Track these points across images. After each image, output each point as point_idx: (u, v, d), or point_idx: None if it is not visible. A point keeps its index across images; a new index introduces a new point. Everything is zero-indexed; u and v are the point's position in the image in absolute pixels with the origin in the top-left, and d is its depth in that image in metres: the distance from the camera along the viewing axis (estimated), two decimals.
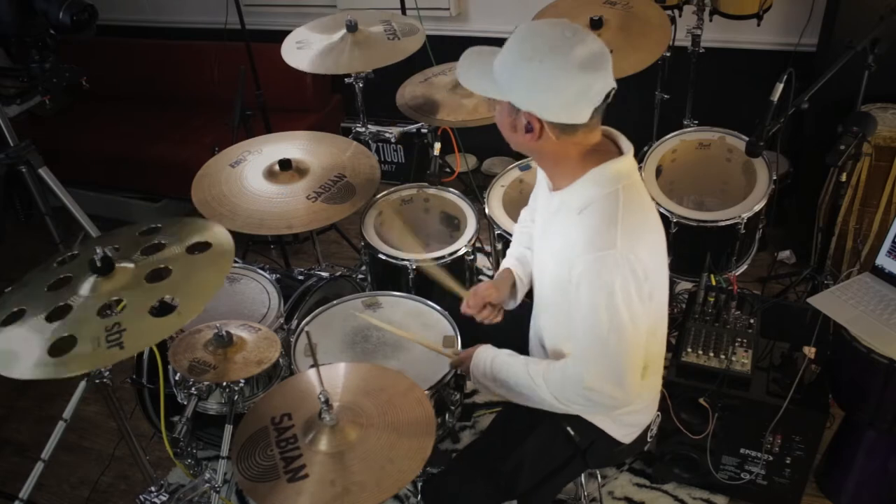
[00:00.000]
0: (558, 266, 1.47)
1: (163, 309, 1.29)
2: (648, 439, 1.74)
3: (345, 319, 1.98)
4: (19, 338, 1.31)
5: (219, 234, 1.47)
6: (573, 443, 1.64)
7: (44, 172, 2.41)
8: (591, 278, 1.37)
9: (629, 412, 1.63)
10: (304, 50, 2.42)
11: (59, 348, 1.26)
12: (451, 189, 2.51)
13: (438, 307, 1.97)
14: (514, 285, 1.77)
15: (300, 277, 2.30)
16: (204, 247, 1.43)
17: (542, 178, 1.60)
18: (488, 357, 1.63)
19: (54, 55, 2.26)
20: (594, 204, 1.40)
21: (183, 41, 3.88)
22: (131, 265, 1.40)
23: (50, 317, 1.32)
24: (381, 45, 2.41)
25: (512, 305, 1.79)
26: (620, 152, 1.45)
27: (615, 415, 1.61)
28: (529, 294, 1.75)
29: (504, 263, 1.82)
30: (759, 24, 2.65)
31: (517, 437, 1.67)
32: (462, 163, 3.30)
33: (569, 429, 1.63)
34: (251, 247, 3.22)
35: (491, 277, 2.87)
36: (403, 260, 2.23)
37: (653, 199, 1.63)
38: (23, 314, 1.36)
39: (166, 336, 1.29)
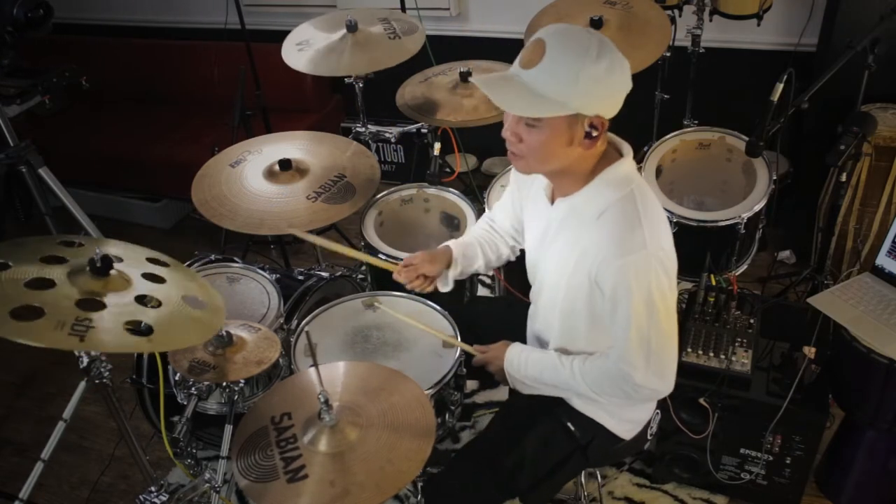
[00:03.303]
0: (571, 273, 1.47)
1: (139, 329, 1.26)
2: (648, 437, 1.74)
3: (345, 319, 1.98)
4: None
5: (215, 299, 1.44)
6: (573, 438, 1.64)
7: (44, 172, 2.42)
8: (627, 283, 1.37)
9: (631, 408, 1.63)
10: (305, 51, 2.42)
11: (22, 314, 1.21)
12: (451, 189, 2.51)
13: (438, 307, 1.97)
14: (449, 264, 1.77)
15: (300, 277, 2.30)
16: (198, 304, 1.40)
17: (537, 186, 1.60)
18: (521, 356, 1.65)
19: (13, 52, 2.27)
20: (612, 208, 1.41)
21: (183, 41, 3.88)
22: (127, 279, 1.37)
23: (29, 284, 1.27)
24: (382, 45, 2.41)
25: (445, 288, 1.80)
26: (620, 154, 1.46)
27: (616, 411, 1.62)
28: (527, 294, 1.75)
29: (449, 243, 1.82)
30: (759, 24, 2.66)
31: (517, 433, 1.67)
32: (462, 163, 3.30)
33: (569, 424, 1.64)
34: (251, 247, 3.22)
35: (491, 278, 2.88)
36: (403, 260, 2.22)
37: None
38: (5, 268, 1.30)
39: (128, 351, 1.26)
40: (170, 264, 1.48)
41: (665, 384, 1.48)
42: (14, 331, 1.16)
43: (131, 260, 1.43)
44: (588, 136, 1.37)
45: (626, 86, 1.37)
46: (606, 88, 1.34)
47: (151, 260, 1.47)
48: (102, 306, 1.28)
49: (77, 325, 1.21)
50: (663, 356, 1.45)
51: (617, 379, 1.47)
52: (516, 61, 1.37)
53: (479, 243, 1.82)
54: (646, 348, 1.42)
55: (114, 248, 1.46)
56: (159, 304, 1.33)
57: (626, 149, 1.48)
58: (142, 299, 1.32)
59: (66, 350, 1.20)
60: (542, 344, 1.68)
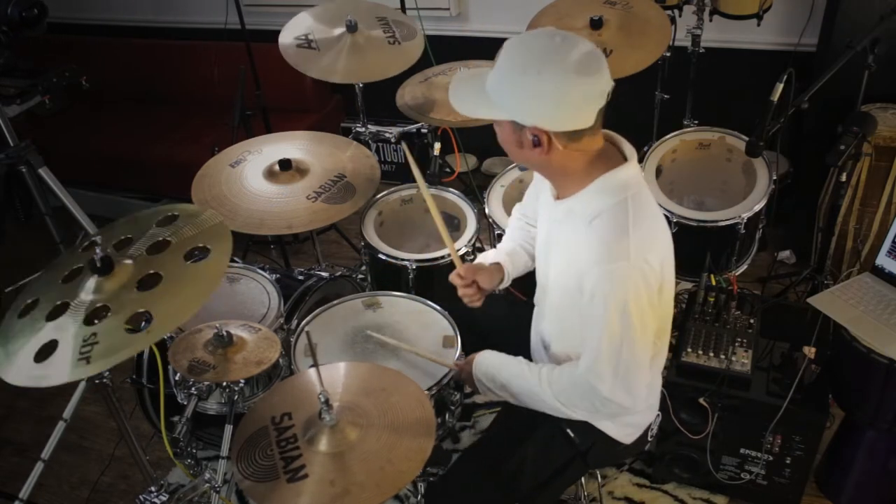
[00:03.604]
0: (566, 275, 1.47)
1: (138, 325, 1.27)
2: (649, 439, 1.73)
3: (345, 319, 1.98)
4: (21, 336, 1.31)
5: (222, 245, 1.42)
6: (573, 444, 1.64)
7: (44, 172, 2.41)
8: (604, 290, 1.36)
9: (631, 413, 1.62)
10: (303, 49, 2.41)
11: (43, 353, 1.26)
12: (451, 189, 2.51)
13: (438, 307, 1.97)
14: (501, 280, 1.78)
15: (300, 277, 2.30)
16: (202, 253, 1.40)
17: (545, 184, 1.59)
18: (490, 362, 1.64)
19: (9, 51, 2.28)
20: (604, 214, 1.40)
21: (183, 41, 3.88)
22: (130, 262, 1.38)
23: (49, 316, 1.31)
24: (381, 50, 2.40)
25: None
26: (625, 158, 1.45)
27: (616, 417, 1.61)
28: (532, 295, 1.75)
29: (495, 256, 1.81)
30: (759, 24, 2.65)
31: (517, 439, 1.66)
32: (462, 163, 3.30)
33: (568, 430, 1.63)
34: (251, 247, 3.22)
35: None
36: (403, 260, 2.23)
37: None
38: (34, 306, 1.35)
39: (130, 355, 1.27)
40: (179, 214, 1.51)
41: (632, 400, 1.46)
42: (39, 379, 1.25)
43: (139, 233, 1.47)
44: (535, 143, 1.35)
45: (586, 100, 1.32)
46: (541, 102, 1.31)
47: (161, 222, 1.49)
48: (106, 311, 1.29)
49: (85, 346, 1.24)
50: (632, 371, 1.43)
51: (585, 390, 1.46)
52: None
53: (520, 247, 1.82)
54: (615, 360, 1.40)
55: (125, 229, 1.48)
56: (160, 278, 1.34)
57: (630, 152, 1.46)
58: (144, 282, 1.34)
59: (80, 379, 1.25)
60: (545, 347, 1.68)
